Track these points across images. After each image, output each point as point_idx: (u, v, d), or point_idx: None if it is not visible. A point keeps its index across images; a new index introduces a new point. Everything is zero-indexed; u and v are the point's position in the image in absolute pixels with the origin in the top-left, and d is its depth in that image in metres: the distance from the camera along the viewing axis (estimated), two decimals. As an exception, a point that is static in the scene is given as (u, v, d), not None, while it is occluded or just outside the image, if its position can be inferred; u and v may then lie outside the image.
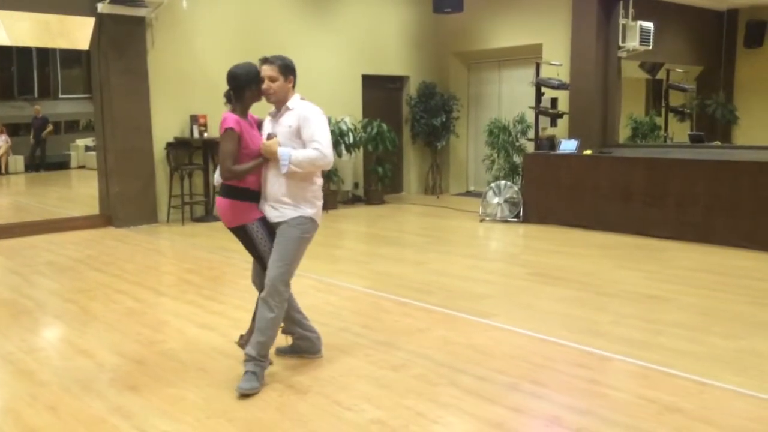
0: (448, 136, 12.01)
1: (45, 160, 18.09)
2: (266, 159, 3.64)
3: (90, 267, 6.68)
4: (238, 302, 5.26)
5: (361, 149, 11.02)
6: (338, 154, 10.41)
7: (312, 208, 3.74)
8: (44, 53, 18.62)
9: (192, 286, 5.90)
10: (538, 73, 9.51)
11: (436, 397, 3.51)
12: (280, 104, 3.73)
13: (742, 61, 11.00)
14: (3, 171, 17.24)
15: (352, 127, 10.57)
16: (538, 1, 10.44)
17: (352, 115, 10.92)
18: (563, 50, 9.84)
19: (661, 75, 10.88)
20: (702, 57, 11.20)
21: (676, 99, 10.98)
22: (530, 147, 9.74)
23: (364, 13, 11.27)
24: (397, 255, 7.13)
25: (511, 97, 11.63)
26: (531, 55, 10.59)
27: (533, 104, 9.51)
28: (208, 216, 9.43)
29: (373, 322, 4.80)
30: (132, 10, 8.63)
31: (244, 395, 3.52)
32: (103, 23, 8.55)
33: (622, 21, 9.28)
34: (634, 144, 9.87)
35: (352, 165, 11.19)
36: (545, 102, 9.50)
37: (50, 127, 18.17)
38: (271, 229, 3.73)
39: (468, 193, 12.19)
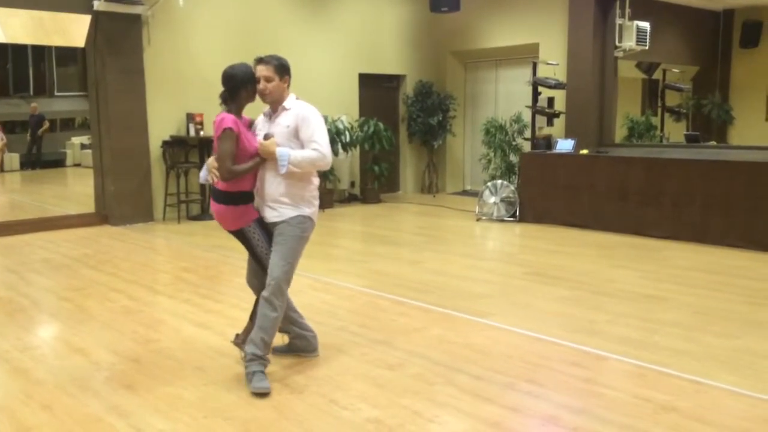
0: (444, 135, 12.01)
1: (41, 158, 18.04)
2: (263, 159, 3.64)
3: (86, 265, 6.66)
4: (235, 301, 5.25)
5: (358, 148, 11.01)
6: (335, 152, 10.38)
7: (310, 208, 3.75)
8: (40, 50, 18.56)
9: (188, 284, 5.89)
10: (534, 73, 9.51)
11: (433, 396, 3.51)
12: (276, 104, 3.72)
13: (737, 61, 11.03)
14: (-2, 168, 17.19)
15: (349, 126, 10.57)
16: (535, 0, 10.45)
17: (348, 113, 10.91)
18: (560, 50, 9.85)
19: (657, 75, 10.90)
20: (698, 57, 11.23)
21: (672, 99, 11.01)
22: (527, 146, 9.74)
23: (361, 12, 11.26)
24: (394, 254, 7.13)
25: (507, 96, 11.64)
26: (528, 55, 10.60)
27: (530, 103, 9.51)
28: (204, 214, 9.41)
29: (370, 321, 4.80)
30: (128, 8, 8.61)
31: (262, 394, 3.51)
32: (99, 21, 8.52)
33: (618, 21, 9.29)
34: (630, 144, 9.89)
35: (349, 164, 11.18)
36: (542, 101, 9.50)
37: (47, 125, 18.12)
38: (267, 229, 3.73)
39: (464, 193, 12.20)
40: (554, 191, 8.68)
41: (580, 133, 9.17)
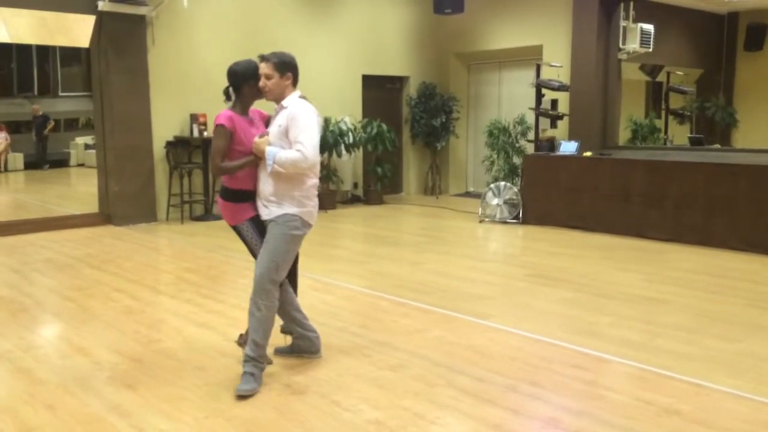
0: (447, 137, 12.01)
1: (46, 158, 18.08)
2: (257, 157, 3.66)
3: (89, 265, 6.67)
4: (237, 301, 5.26)
5: (361, 149, 11.02)
6: (338, 153, 10.42)
7: (299, 207, 3.67)
8: (44, 51, 18.60)
9: (190, 284, 5.89)
10: (538, 75, 9.51)
11: (434, 397, 3.51)
12: (278, 102, 3.73)
13: (742, 64, 11.00)
14: (2, 168, 17.21)
15: (352, 127, 10.58)
16: (539, 2, 10.45)
17: (352, 115, 10.92)
18: (564, 52, 9.85)
19: (661, 77, 10.88)
20: (702, 60, 11.21)
21: (676, 101, 10.98)
22: (530, 148, 9.74)
23: (365, 14, 11.27)
24: (396, 255, 7.13)
25: (511, 98, 11.63)
26: (531, 57, 10.59)
27: (533, 105, 9.51)
28: (208, 215, 9.43)
29: (371, 322, 4.80)
30: (132, 8, 8.63)
31: (243, 397, 3.53)
32: (103, 21, 8.54)
33: (622, 23, 9.28)
34: (634, 146, 9.88)
35: (352, 165, 11.19)
36: (545, 103, 9.50)
37: (52, 123, 18.17)
38: (263, 227, 3.75)
39: (467, 194, 12.19)
40: (557, 193, 8.67)
41: (584, 135, 9.15)
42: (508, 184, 9.25)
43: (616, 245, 7.54)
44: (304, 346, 4.05)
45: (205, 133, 9.19)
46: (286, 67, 3.68)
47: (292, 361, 4.01)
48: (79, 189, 14.17)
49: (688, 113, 11.15)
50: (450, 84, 12.17)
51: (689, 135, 10.70)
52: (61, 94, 19.36)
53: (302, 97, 3.74)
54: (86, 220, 8.97)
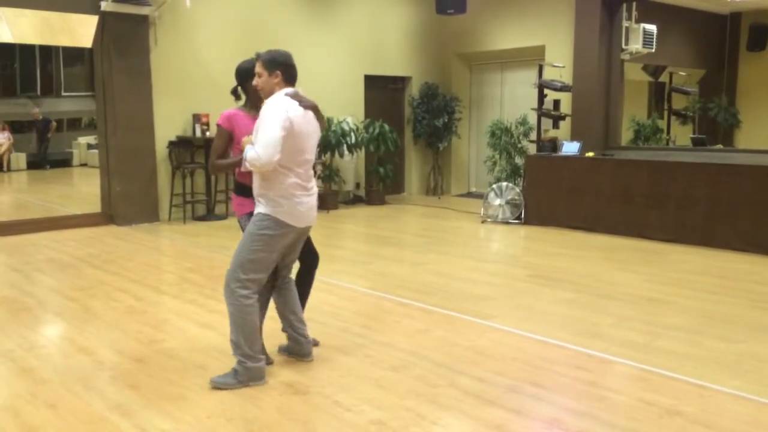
0: (449, 137, 12.00)
1: (47, 158, 18.12)
2: None
3: (91, 265, 6.68)
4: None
5: (363, 150, 11.03)
6: (340, 154, 10.42)
7: (272, 207, 3.60)
8: (47, 51, 18.64)
9: (193, 285, 5.90)
10: (540, 75, 9.51)
11: (436, 398, 3.51)
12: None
13: (744, 64, 10.99)
14: (5, 168, 17.25)
15: (354, 128, 10.58)
16: (541, 3, 10.44)
17: (354, 115, 10.92)
18: (566, 52, 9.84)
19: (663, 78, 10.88)
20: (705, 60, 11.19)
21: (678, 102, 10.97)
22: (532, 149, 9.74)
23: (367, 14, 11.27)
24: (398, 256, 7.13)
25: (513, 98, 11.63)
26: (534, 57, 10.59)
27: (535, 106, 9.51)
28: (210, 215, 9.44)
29: (373, 323, 4.80)
30: (135, 9, 8.64)
31: (214, 387, 3.62)
32: (106, 21, 8.56)
33: (625, 23, 9.27)
34: (636, 147, 9.87)
35: (354, 165, 11.19)
36: (548, 104, 9.50)
37: (54, 125, 18.23)
38: None
39: (469, 195, 12.19)
40: (559, 194, 8.67)
41: (586, 135, 9.15)
42: (510, 184, 9.25)
43: (618, 246, 7.53)
44: (293, 349, 4.04)
45: (208, 133, 9.20)
46: (274, 64, 3.64)
47: (293, 361, 4.01)
48: (81, 189, 14.19)
49: (691, 114, 11.14)
50: (452, 84, 12.17)
51: (692, 135, 10.69)
52: (63, 94, 19.41)
53: (290, 94, 3.62)
54: (89, 220, 8.98)
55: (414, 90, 11.97)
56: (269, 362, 3.88)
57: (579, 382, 3.73)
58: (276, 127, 3.46)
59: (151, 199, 9.10)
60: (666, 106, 10.91)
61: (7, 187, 14.93)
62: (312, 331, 4.39)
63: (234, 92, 3.89)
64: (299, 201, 3.64)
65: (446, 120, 11.73)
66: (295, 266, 4.09)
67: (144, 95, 8.93)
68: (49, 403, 3.47)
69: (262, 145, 3.45)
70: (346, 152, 10.47)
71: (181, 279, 6.15)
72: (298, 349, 4.03)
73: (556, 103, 9.55)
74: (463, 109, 12.06)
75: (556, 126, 9.62)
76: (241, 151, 3.65)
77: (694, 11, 10.39)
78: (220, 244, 7.60)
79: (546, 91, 9.40)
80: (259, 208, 3.63)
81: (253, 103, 3.82)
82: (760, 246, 6.97)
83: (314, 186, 3.79)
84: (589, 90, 9.33)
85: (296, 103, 3.60)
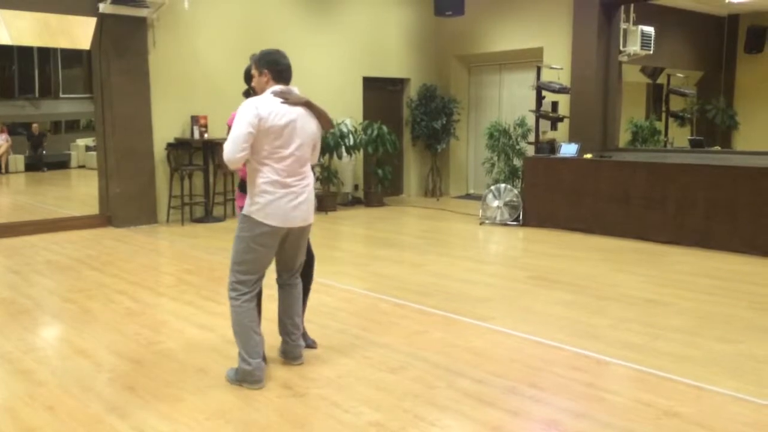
0: (448, 139, 12.01)
1: (43, 160, 18.12)
2: None
3: (89, 267, 6.68)
4: (237, 303, 5.25)
5: (362, 151, 11.03)
6: (338, 155, 10.43)
7: (249, 206, 3.61)
8: (45, 52, 18.64)
9: (191, 286, 5.90)
10: (538, 77, 9.52)
11: (434, 399, 3.52)
12: None
13: (742, 66, 11.01)
14: (3, 170, 17.24)
15: (353, 129, 10.59)
16: (540, 5, 10.45)
17: (352, 117, 10.93)
18: (564, 54, 9.86)
19: (661, 80, 10.89)
20: (702, 62, 11.22)
21: (676, 104, 10.99)
22: (530, 150, 9.74)
23: (366, 16, 11.28)
24: (396, 257, 7.13)
25: (511, 100, 11.64)
26: (532, 59, 10.60)
27: (534, 107, 9.52)
28: (208, 217, 9.43)
29: (372, 324, 4.80)
30: (133, 11, 8.64)
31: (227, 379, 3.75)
32: (104, 23, 8.56)
33: (623, 25, 9.30)
34: (634, 148, 9.88)
35: (352, 167, 11.19)
36: (546, 105, 9.50)
37: (46, 141, 18.39)
38: None
39: (468, 196, 12.20)
40: (558, 195, 8.68)
41: (584, 137, 9.16)
42: (509, 186, 9.25)
43: (617, 247, 7.54)
44: (286, 350, 4.03)
45: (206, 135, 9.20)
46: (261, 63, 3.67)
47: (291, 363, 4.01)
48: (79, 190, 14.18)
49: (689, 115, 11.17)
50: (451, 86, 12.18)
51: (689, 137, 10.71)
52: (62, 95, 19.40)
53: (276, 92, 3.61)
54: (87, 222, 8.98)
55: (412, 92, 11.99)
56: (263, 363, 3.85)
57: (577, 383, 3.74)
58: (241, 125, 3.49)
59: (149, 200, 9.10)
60: (664, 108, 10.92)
61: (6, 188, 14.92)
62: (310, 332, 4.40)
63: (246, 94, 3.95)
64: (278, 199, 3.58)
65: (444, 122, 11.74)
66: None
67: (142, 97, 8.93)
68: (47, 405, 3.47)
69: (228, 141, 3.52)
70: (344, 154, 10.48)
71: (179, 281, 6.15)
72: (290, 350, 4.02)
73: (555, 105, 9.56)
74: (462, 111, 12.07)
75: (554, 128, 9.63)
76: None
77: (691, 13, 10.42)
78: (218, 246, 7.59)
79: (544, 92, 9.41)
80: (244, 210, 3.68)
81: None
82: (758, 247, 6.98)
83: (305, 184, 3.69)
84: (587, 92, 9.35)
85: (278, 100, 3.59)
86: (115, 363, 4.07)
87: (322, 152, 10.23)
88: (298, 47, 10.08)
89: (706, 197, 7.37)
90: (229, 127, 3.77)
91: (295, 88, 3.73)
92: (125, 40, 8.71)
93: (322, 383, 3.73)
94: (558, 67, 9.50)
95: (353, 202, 11.26)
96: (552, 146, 9.12)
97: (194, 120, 9.26)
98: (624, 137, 10.03)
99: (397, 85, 12.06)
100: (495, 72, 11.99)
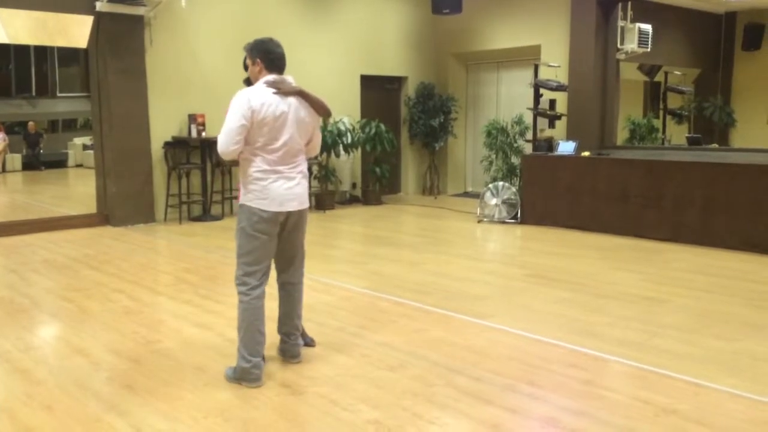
0: (446, 137, 12.01)
1: (40, 159, 18.09)
2: None
3: (87, 266, 6.67)
4: (235, 302, 5.24)
5: (359, 149, 11.03)
6: (336, 154, 10.42)
7: (244, 195, 3.64)
8: (42, 51, 18.61)
9: (189, 285, 5.89)
10: (536, 75, 9.51)
11: (433, 397, 3.52)
12: None
13: (739, 64, 11.02)
14: (0, 169, 17.21)
15: (351, 128, 10.58)
16: (537, 2, 10.45)
17: (350, 115, 10.92)
18: (562, 52, 9.85)
19: (659, 77, 10.89)
20: (700, 60, 11.22)
21: (674, 101, 10.99)
22: (528, 148, 9.74)
23: (363, 14, 11.27)
24: (395, 255, 7.13)
25: (509, 98, 11.64)
26: (529, 57, 10.60)
27: (531, 105, 9.52)
28: (206, 215, 9.42)
29: (370, 323, 4.80)
30: (131, 9, 8.62)
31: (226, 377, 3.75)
32: (101, 21, 8.54)
33: (620, 23, 9.29)
34: (631, 146, 9.89)
35: (350, 165, 11.19)
36: (543, 103, 9.50)
37: (43, 141, 18.34)
38: None
39: (466, 194, 12.20)
40: (555, 193, 8.68)
41: (582, 135, 9.16)
42: (507, 184, 9.26)
43: (614, 245, 7.54)
44: (282, 348, 4.04)
45: (204, 134, 9.19)
46: (253, 52, 3.68)
47: (290, 361, 4.01)
48: (77, 189, 14.16)
49: (686, 113, 11.17)
50: (448, 84, 12.17)
51: (687, 135, 10.71)
52: (59, 94, 19.38)
53: (268, 81, 3.60)
54: (84, 221, 8.97)
55: (410, 90, 11.98)
56: (261, 360, 3.83)
57: (575, 381, 3.74)
58: (234, 117, 3.50)
59: (146, 199, 9.09)
60: (661, 106, 10.93)
61: (3, 188, 14.89)
62: (309, 330, 4.40)
63: (246, 82, 3.91)
64: (270, 183, 3.59)
65: (442, 120, 11.74)
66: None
67: (139, 96, 8.91)
68: (45, 404, 3.47)
69: (221, 134, 3.53)
70: (342, 152, 10.47)
71: (177, 279, 6.14)
72: (286, 350, 4.02)
73: (552, 103, 9.56)
74: (459, 109, 12.07)
75: (552, 125, 9.63)
76: None
77: (689, 11, 10.41)
78: (216, 245, 7.59)
79: (542, 90, 9.41)
80: (241, 200, 3.69)
81: None
82: (756, 245, 6.99)
83: (298, 171, 3.70)
84: (584, 89, 9.35)
85: (271, 90, 3.58)
86: (113, 362, 4.07)
87: (320, 150, 10.20)
88: (296, 45, 10.05)
89: (704, 195, 7.38)
90: None
91: (289, 77, 3.71)
92: (122, 39, 8.70)
93: (321, 381, 3.73)
94: (555, 65, 9.50)
95: (351, 200, 11.26)
96: (550, 144, 9.12)
97: (191, 118, 9.24)
98: (622, 135, 10.04)
99: (394, 83, 12.05)
100: (493, 70, 11.99)
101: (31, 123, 18.17)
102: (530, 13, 10.58)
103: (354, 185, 11.44)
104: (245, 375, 3.66)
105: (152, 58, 9.01)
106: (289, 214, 3.68)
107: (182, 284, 5.94)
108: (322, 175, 10.33)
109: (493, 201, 9.21)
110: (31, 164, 17.86)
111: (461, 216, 9.73)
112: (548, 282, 5.94)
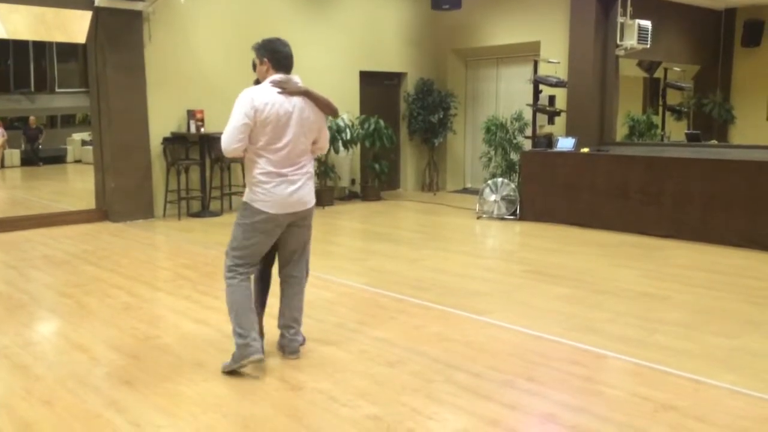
0: (445, 133, 12.00)
1: (38, 154, 18.07)
2: None
3: (86, 261, 6.66)
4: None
5: (359, 145, 11.01)
6: (335, 150, 10.41)
7: (249, 194, 3.68)
8: (41, 46, 18.58)
9: (188, 281, 5.89)
10: (535, 71, 9.50)
11: (432, 393, 3.52)
12: None
13: (739, 60, 11.01)
14: (-1, 165, 17.22)
15: (350, 124, 10.57)
16: (537, -2, 10.43)
17: (349, 111, 10.90)
18: (561, 48, 9.84)
19: (658, 73, 10.88)
20: (699, 56, 11.21)
21: (673, 97, 10.99)
22: (527, 144, 9.74)
23: (363, 10, 11.25)
24: (394, 251, 7.13)
25: (508, 94, 11.63)
26: (529, 53, 10.59)
27: (531, 102, 9.51)
28: (205, 211, 9.41)
29: (369, 319, 4.80)
30: (129, 4, 8.60)
31: (222, 371, 3.74)
32: (100, 17, 8.52)
33: (620, 19, 9.27)
34: (631, 142, 9.88)
35: (349, 161, 11.18)
36: (543, 99, 9.49)
37: (42, 137, 18.32)
38: None
39: (465, 191, 12.20)
40: (555, 189, 8.67)
41: (581, 131, 9.16)
42: (506, 180, 9.25)
43: (614, 242, 7.54)
44: (281, 343, 4.04)
45: (202, 130, 9.18)
46: (261, 51, 3.69)
47: (289, 357, 4.00)
48: (76, 185, 14.16)
49: (686, 109, 11.16)
50: (448, 80, 12.16)
51: (686, 131, 10.71)
52: (57, 90, 19.35)
53: (274, 81, 3.62)
54: (83, 217, 8.96)
55: (409, 86, 11.96)
56: (258, 356, 3.81)
57: (574, 377, 3.74)
58: (238, 116, 3.53)
59: (145, 195, 9.08)
60: (661, 102, 10.92)
61: (1, 183, 14.87)
62: (307, 326, 4.40)
63: (257, 83, 3.91)
64: (274, 187, 3.62)
65: (441, 116, 11.73)
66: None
67: (138, 91, 8.90)
68: (44, 400, 3.46)
69: (225, 132, 3.55)
70: (341, 148, 10.46)
71: (176, 275, 6.14)
72: (285, 345, 4.02)
73: (552, 99, 9.56)
74: (459, 105, 12.05)
75: (551, 122, 9.62)
76: None
77: (688, 7, 10.40)
78: (215, 241, 7.58)
79: (541, 86, 9.40)
80: (244, 198, 3.73)
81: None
82: (755, 241, 7.00)
83: (302, 173, 3.70)
84: (584, 86, 9.34)
85: (276, 90, 3.58)
86: (112, 357, 4.06)
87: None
88: (295, 41, 9.94)
89: (703, 191, 7.38)
90: None
91: (296, 76, 3.72)
92: (121, 34, 8.68)
93: (320, 377, 3.73)
94: (555, 61, 9.49)
95: (350, 196, 11.25)
96: (549, 140, 9.11)
97: (190, 114, 9.23)
98: (621, 131, 10.03)
99: (394, 79, 12.04)
100: (492, 66, 11.98)
101: (32, 117, 18.15)
102: (530, 9, 10.56)
103: (353, 181, 11.43)
104: (243, 351, 3.64)
105: (151, 54, 8.99)
106: (293, 219, 3.74)
107: (181, 280, 5.93)
108: (321, 171, 10.32)
109: (493, 197, 9.21)
110: (29, 160, 17.84)
111: (460, 212, 9.73)
112: (547, 278, 5.94)
